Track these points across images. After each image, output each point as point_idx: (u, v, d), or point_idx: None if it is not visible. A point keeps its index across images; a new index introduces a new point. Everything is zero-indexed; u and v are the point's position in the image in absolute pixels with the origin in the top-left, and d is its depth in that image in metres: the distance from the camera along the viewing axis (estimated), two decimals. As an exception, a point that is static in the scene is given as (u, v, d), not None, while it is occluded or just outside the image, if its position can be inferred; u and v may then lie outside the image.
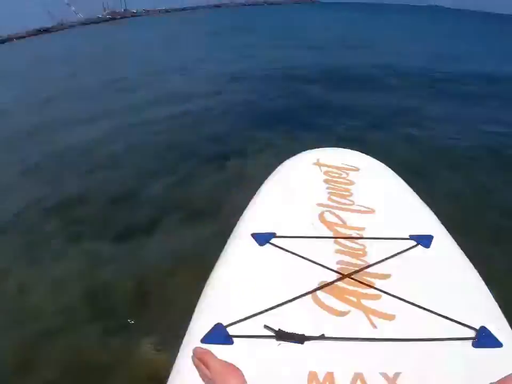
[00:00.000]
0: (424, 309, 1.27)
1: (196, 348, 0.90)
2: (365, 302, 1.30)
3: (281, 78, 10.27)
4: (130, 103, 8.58)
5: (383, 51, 15.12)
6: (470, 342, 1.17)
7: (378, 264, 1.45)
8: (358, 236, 1.59)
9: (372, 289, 1.34)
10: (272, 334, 1.17)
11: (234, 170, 4.72)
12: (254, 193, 1.93)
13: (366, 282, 1.37)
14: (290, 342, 1.15)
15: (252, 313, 1.22)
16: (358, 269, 1.42)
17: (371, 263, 1.45)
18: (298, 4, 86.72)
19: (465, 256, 1.55)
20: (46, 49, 23.99)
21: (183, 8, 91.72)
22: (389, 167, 2.23)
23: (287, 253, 1.48)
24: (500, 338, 1.18)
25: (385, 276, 1.41)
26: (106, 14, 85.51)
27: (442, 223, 1.73)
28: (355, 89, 8.91)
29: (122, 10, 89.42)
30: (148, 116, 7.49)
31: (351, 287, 1.36)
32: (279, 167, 2.21)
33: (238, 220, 1.73)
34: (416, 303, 1.28)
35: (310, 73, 10.71)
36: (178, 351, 1.18)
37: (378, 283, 1.37)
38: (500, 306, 1.33)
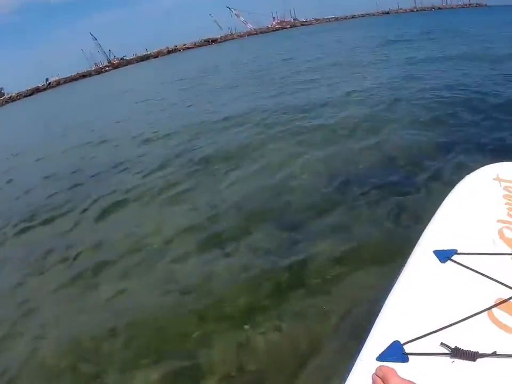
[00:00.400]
0: None
1: (380, 366, 0.94)
2: None
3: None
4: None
5: None
6: None
7: None
8: None
9: None
10: (447, 351, 1.17)
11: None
12: (436, 210, 1.95)
13: None
14: (463, 359, 1.15)
15: (429, 331, 1.24)
16: None
17: None
18: (465, 8, 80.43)
19: None
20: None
21: (352, 15, 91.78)
22: None
23: (467, 270, 1.48)
24: None
25: None
26: (276, 24, 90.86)
27: None
28: None
29: (292, 20, 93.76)
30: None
31: None
32: (460, 183, 2.19)
33: (420, 236, 1.76)
34: None
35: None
36: (351, 367, 1.21)
37: None
38: None
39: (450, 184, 2.19)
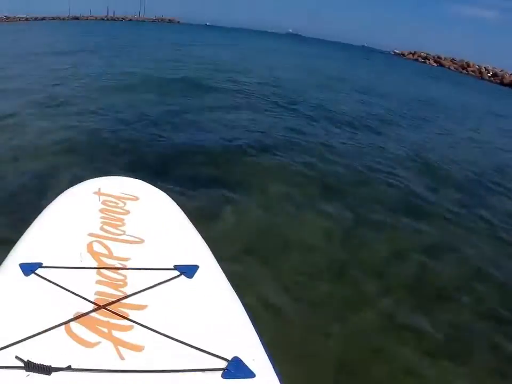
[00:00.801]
0: (174, 339, 1.28)
1: None
2: (116, 333, 1.29)
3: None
4: None
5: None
6: (219, 373, 1.19)
7: (137, 295, 1.45)
8: (121, 267, 1.60)
9: (125, 320, 1.34)
10: (21, 364, 1.16)
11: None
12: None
13: (121, 313, 1.36)
14: (39, 373, 1.13)
15: (3, 345, 1.20)
16: (115, 299, 1.41)
17: (130, 293, 1.45)
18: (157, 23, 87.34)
19: (230, 286, 1.62)
20: None
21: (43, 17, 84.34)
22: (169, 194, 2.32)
23: (50, 283, 1.46)
24: (253, 368, 1.22)
25: (142, 307, 1.41)
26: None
27: (214, 253, 1.81)
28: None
29: None
30: None
31: (104, 318, 1.34)
32: (60, 196, 2.18)
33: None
34: (168, 334, 1.29)
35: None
36: None
37: (133, 314, 1.37)
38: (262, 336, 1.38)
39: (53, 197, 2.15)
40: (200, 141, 6.98)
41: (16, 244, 1.72)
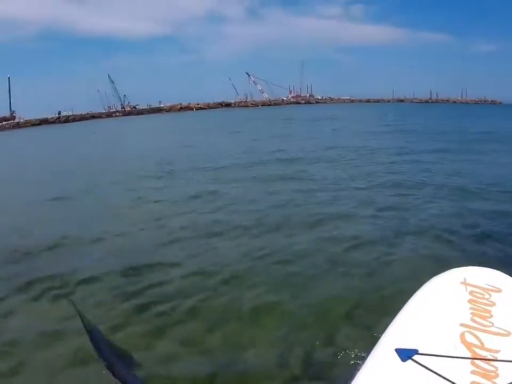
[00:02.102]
0: None
1: None
2: None
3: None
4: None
5: None
6: None
7: None
8: (493, 358, 1.63)
9: None
10: None
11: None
12: (400, 309, 2.01)
13: None
14: None
15: None
16: None
17: None
18: (479, 105, 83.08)
19: None
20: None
21: (367, 99, 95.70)
22: None
23: (427, 370, 1.55)
24: None
25: None
26: (291, 97, 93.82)
27: None
28: None
29: (308, 96, 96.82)
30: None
31: None
32: (426, 284, 2.29)
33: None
34: None
35: None
36: None
37: None
38: None
39: (419, 284, 2.26)
40: None
41: (388, 329, 1.86)
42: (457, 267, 2.46)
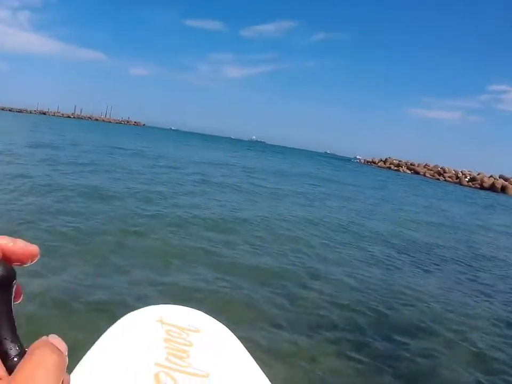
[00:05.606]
0: None
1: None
2: None
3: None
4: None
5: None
6: None
7: None
8: None
9: None
10: None
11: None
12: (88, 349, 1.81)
13: None
14: None
15: None
16: None
17: None
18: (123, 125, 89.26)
19: None
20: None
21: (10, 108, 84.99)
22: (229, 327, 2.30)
23: None
24: None
25: None
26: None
27: None
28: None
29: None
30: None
31: None
32: (120, 321, 2.18)
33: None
34: None
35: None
36: None
37: None
38: None
39: (110, 323, 2.07)
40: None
41: (75, 370, 1.63)
42: (155, 304, 2.40)
